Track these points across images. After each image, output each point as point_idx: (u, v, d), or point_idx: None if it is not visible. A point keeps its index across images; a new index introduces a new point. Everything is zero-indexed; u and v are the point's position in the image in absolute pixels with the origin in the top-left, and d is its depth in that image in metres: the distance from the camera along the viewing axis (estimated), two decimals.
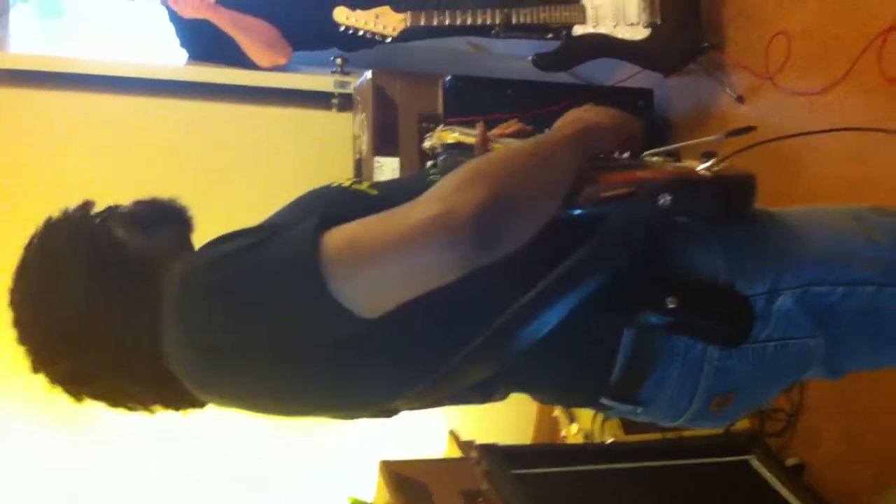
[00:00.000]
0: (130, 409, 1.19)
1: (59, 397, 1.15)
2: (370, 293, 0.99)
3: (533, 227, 1.02)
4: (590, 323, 1.10)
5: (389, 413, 1.21)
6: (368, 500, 2.56)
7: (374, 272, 0.98)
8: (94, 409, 1.18)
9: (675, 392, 1.17)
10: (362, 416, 1.22)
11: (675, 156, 1.29)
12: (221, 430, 2.82)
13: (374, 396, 1.15)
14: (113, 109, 3.04)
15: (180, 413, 1.21)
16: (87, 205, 1.21)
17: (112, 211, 1.21)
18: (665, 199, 1.09)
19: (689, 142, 1.25)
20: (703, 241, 1.16)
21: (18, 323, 1.17)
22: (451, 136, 1.96)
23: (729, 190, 1.18)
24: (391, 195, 1.08)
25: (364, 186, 1.18)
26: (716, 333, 1.14)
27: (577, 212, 1.09)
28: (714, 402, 1.18)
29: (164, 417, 1.21)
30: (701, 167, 1.17)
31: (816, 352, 1.19)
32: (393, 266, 0.97)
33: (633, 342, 1.13)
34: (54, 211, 1.21)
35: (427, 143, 2.03)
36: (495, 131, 1.50)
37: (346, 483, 2.70)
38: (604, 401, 1.20)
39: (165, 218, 1.22)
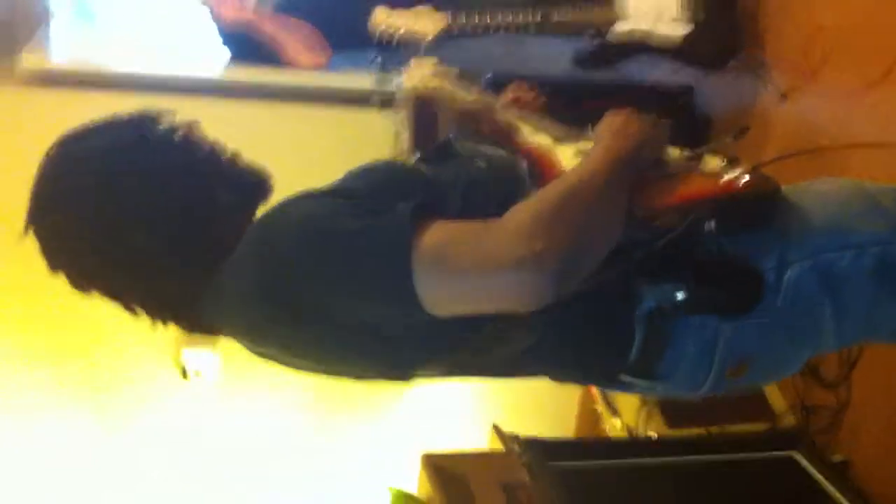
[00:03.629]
0: (136, 314, 1.26)
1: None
2: (446, 300, 1.06)
3: (602, 259, 1.09)
4: (606, 308, 1.17)
5: (409, 378, 1.26)
6: (412, 492, 2.57)
7: (455, 287, 1.04)
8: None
9: (691, 367, 1.22)
10: (381, 378, 1.26)
11: (697, 156, 1.31)
12: (264, 419, 2.86)
13: (411, 358, 1.21)
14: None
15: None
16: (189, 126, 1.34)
17: (213, 158, 1.32)
18: (710, 226, 1.16)
19: (701, 148, 1.28)
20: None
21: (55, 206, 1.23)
22: (435, 80, 1.79)
23: (761, 205, 1.22)
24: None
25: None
26: (726, 303, 1.19)
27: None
28: (728, 371, 1.22)
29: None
30: (730, 175, 1.20)
31: (825, 315, 1.22)
32: (475, 289, 1.04)
33: (648, 322, 1.18)
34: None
35: (409, 83, 1.86)
36: (506, 99, 1.54)
37: (389, 475, 2.72)
38: (623, 377, 1.25)
39: (261, 193, 1.30)
